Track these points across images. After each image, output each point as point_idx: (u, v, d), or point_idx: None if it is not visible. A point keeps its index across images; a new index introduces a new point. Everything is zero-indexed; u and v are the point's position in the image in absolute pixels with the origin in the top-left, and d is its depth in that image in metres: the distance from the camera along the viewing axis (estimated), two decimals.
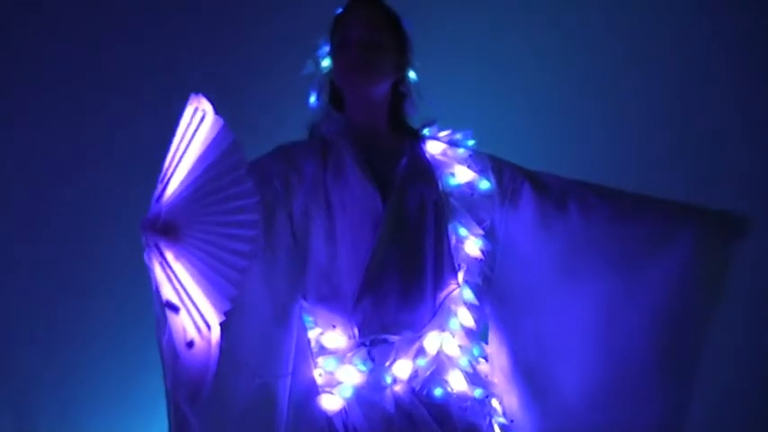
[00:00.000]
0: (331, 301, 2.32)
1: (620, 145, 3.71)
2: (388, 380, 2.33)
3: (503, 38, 3.66)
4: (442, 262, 2.35)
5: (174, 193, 1.90)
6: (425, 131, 2.50)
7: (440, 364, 2.37)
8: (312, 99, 2.47)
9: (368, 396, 2.31)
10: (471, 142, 2.50)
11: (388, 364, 2.32)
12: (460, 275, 2.38)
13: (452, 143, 2.49)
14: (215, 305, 1.90)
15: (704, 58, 3.74)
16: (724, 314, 3.46)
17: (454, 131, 2.51)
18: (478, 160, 2.47)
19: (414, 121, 2.52)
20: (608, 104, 3.70)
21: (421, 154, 2.46)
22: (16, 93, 3.50)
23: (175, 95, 2.08)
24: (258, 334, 2.21)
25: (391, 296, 2.30)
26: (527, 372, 2.42)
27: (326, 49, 2.46)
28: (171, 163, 1.92)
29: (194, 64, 3.53)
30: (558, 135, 3.67)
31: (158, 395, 2.08)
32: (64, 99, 3.52)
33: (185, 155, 1.92)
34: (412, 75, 2.49)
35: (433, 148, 2.48)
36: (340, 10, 2.46)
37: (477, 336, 2.42)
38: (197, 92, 1.99)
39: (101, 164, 3.51)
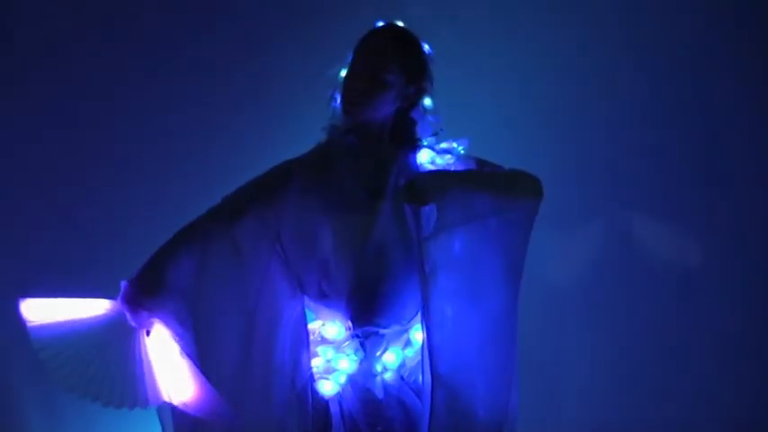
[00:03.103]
0: (330, 296, 2.55)
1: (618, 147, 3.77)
2: (379, 368, 2.56)
3: (502, 43, 3.77)
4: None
5: None
6: (424, 142, 2.65)
7: None
8: (332, 101, 2.63)
9: (360, 382, 2.55)
10: (461, 149, 2.65)
11: (378, 353, 2.56)
12: None
13: (441, 151, 2.65)
14: None
15: (704, 58, 3.82)
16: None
17: (451, 141, 2.66)
18: (465, 164, 2.62)
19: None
20: (606, 106, 3.78)
21: (411, 163, 2.63)
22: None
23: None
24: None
25: (380, 293, 2.53)
26: None
27: (349, 59, 2.60)
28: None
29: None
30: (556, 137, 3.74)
31: None
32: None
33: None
34: (427, 101, 2.63)
35: (424, 156, 2.65)
36: (378, 24, 2.61)
37: None
38: None
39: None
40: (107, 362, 2.40)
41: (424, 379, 2.42)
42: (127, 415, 3.40)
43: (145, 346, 2.43)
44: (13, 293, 3.49)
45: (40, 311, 2.40)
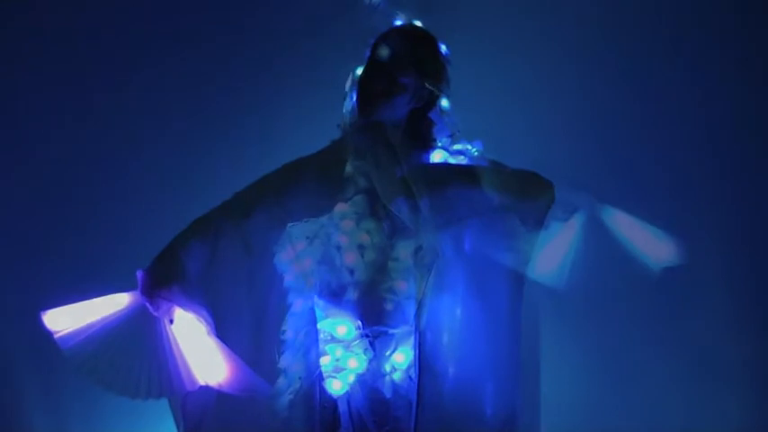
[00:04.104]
0: (339, 295, 2.55)
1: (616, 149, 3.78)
2: (388, 368, 2.56)
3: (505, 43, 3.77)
4: None
5: None
6: (438, 143, 2.65)
7: None
8: (347, 99, 2.64)
9: (369, 382, 2.55)
10: (475, 150, 2.64)
11: (388, 353, 2.55)
12: None
13: (455, 152, 2.65)
14: None
15: (702, 60, 3.81)
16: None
17: (465, 143, 2.65)
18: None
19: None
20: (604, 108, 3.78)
21: (424, 163, 2.61)
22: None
23: None
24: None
25: (387, 293, 2.52)
26: None
27: (366, 56, 2.61)
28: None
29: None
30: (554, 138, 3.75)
31: None
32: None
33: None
34: (444, 103, 2.63)
35: (437, 157, 2.65)
36: (396, 23, 2.62)
37: None
38: None
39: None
40: (138, 355, 2.40)
41: (414, 371, 2.44)
42: (128, 413, 3.42)
43: (171, 333, 2.42)
44: (13, 294, 3.54)
45: (63, 320, 2.40)
